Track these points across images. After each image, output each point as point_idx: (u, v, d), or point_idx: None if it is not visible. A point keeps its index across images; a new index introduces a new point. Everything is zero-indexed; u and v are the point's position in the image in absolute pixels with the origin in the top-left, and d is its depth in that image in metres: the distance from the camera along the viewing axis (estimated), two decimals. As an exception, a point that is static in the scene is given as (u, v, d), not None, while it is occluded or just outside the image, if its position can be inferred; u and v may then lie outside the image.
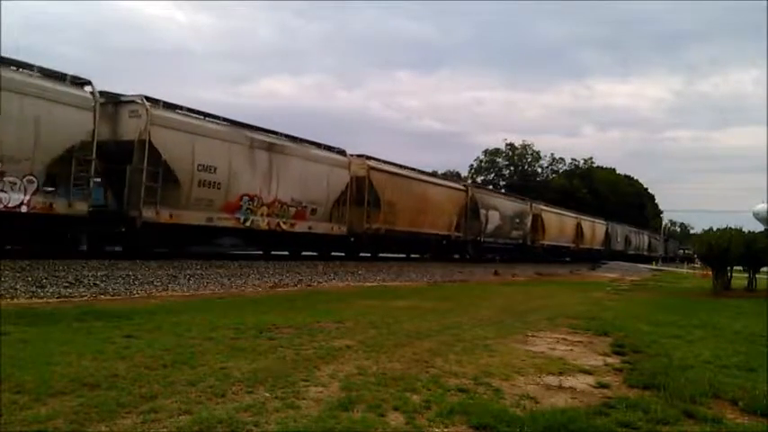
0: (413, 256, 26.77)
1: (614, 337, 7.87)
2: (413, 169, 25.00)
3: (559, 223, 40.43)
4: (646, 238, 66.51)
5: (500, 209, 31.59)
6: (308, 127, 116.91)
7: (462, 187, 29.37)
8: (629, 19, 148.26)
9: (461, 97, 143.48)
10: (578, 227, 43.98)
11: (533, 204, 37.57)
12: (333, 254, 21.39)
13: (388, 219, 22.01)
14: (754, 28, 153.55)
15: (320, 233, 19.11)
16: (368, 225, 21.05)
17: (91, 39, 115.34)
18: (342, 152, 20.25)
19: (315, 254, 20.90)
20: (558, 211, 42.26)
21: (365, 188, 20.87)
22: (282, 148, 17.29)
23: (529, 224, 35.52)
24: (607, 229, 50.73)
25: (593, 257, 46.50)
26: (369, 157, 21.79)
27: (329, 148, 19.72)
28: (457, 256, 29.02)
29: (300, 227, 18.06)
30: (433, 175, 28.71)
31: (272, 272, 15.11)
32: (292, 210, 17.65)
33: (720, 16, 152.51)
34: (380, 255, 23.80)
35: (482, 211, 29.31)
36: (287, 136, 17.87)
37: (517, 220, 33.57)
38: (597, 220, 49.60)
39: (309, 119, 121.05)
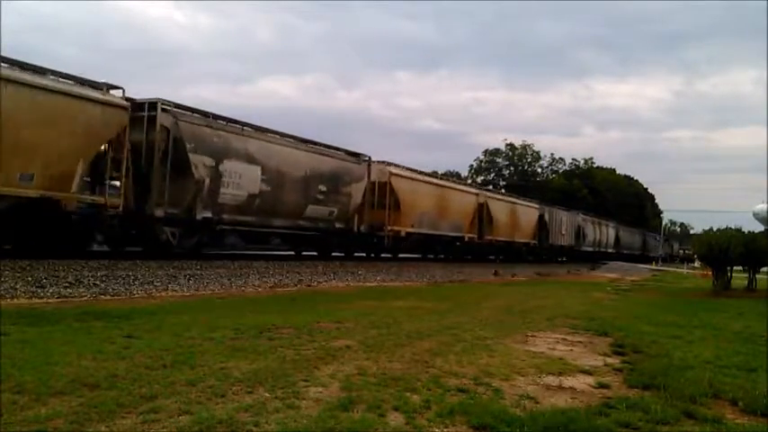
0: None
1: (614, 337, 7.87)
2: None
3: (438, 200, 25.33)
4: (611, 232, 52.72)
5: (266, 162, 16.64)
6: (307, 127, 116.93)
7: (120, 102, 13.35)
8: (629, 19, 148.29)
9: (461, 97, 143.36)
10: (481, 209, 28.82)
11: (375, 165, 22.18)
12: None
13: None
14: (754, 28, 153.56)
15: None
16: None
17: (91, 39, 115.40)
18: None
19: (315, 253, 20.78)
20: (437, 181, 27.23)
21: None
22: None
23: (360, 197, 20.67)
24: (542, 215, 36.23)
25: (515, 255, 33.09)
26: None
27: None
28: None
29: None
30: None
31: (272, 272, 15.12)
32: None
33: (720, 16, 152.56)
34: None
35: (200, 161, 14.66)
36: None
37: (323, 188, 18.85)
38: (524, 202, 35.37)
39: (309, 119, 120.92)
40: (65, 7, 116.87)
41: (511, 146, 72.54)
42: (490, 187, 34.61)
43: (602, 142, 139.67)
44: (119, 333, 6.13)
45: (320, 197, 18.88)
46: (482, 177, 70.17)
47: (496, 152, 72.54)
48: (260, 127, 17.40)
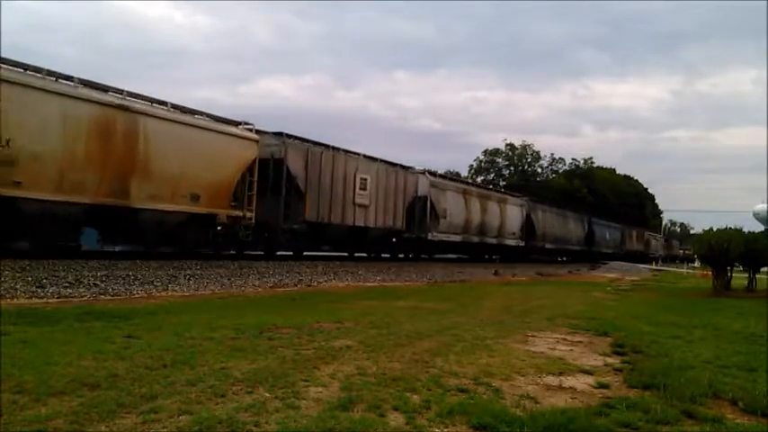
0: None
1: (614, 337, 7.87)
2: None
3: None
4: (515, 213, 32.40)
5: None
6: (307, 127, 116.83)
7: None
8: (628, 19, 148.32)
9: (460, 97, 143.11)
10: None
11: None
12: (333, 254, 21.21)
13: None
14: (753, 28, 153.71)
15: None
16: None
17: (90, 39, 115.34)
18: None
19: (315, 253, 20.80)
20: None
21: None
22: None
23: None
24: (278, 161, 17.60)
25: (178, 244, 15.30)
26: None
27: None
28: None
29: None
30: None
31: (272, 272, 15.11)
32: None
33: (720, 16, 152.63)
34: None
35: None
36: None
37: None
38: (198, 121, 15.18)
39: (309, 119, 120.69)
40: (64, 7, 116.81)
41: (511, 146, 72.60)
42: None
43: (602, 142, 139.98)
44: (119, 333, 6.13)
45: None
46: (482, 177, 70.19)
47: (496, 152, 72.56)
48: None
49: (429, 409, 4.05)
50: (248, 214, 16.43)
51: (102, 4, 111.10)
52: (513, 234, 32.37)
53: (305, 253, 20.32)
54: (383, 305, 10.48)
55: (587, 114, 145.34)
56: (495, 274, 24.54)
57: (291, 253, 19.73)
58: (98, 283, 10.53)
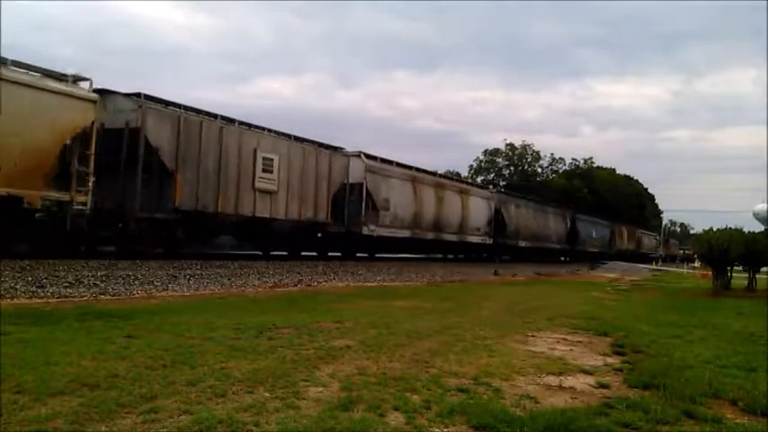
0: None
1: (614, 337, 7.87)
2: None
3: None
4: (479, 205, 28.54)
5: None
6: (307, 126, 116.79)
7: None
8: (628, 19, 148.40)
9: (460, 97, 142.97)
10: None
11: None
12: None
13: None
14: (753, 28, 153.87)
15: None
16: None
17: (90, 39, 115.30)
18: None
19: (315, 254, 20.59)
20: None
21: None
22: None
23: None
24: None
25: None
26: None
27: None
28: None
29: None
30: None
31: (272, 272, 15.12)
32: None
33: (719, 16, 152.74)
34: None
35: None
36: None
37: None
38: None
39: (308, 118, 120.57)
40: (64, 7, 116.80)
41: (511, 146, 72.64)
42: None
43: (602, 142, 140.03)
44: (119, 333, 6.13)
45: None
46: (482, 177, 70.24)
47: (496, 152, 72.61)
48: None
49: (429, 409, 4.05)
50: (80, 198, 12.23)
51: (102, 4, 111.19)
52: (479, 230, 28.24)
53: (180, 251, 15.47)
54: (383, 305, 10.48)
55: (587, 114, 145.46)
56: (495, 273, 24.58)
57: (161, 250, 14.98)
58: (98, 283, 10.53)
